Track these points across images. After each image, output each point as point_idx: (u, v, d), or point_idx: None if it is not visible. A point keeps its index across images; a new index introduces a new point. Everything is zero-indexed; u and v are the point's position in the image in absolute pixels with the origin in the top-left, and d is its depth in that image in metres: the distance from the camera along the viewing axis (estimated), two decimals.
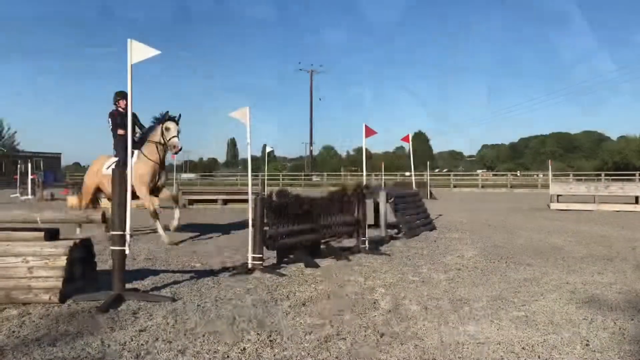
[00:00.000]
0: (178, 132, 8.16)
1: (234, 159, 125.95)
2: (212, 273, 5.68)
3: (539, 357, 3.20)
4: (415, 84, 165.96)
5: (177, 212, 8.36)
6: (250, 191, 6.10)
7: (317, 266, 6.10)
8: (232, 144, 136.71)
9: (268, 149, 27.94)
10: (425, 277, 5.64)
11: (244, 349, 3.29)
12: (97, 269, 5.18)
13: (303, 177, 52.21)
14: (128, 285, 4.68)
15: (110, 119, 8.46)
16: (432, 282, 5.39)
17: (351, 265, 6.30)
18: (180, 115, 8.35)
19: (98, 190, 9.03)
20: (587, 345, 3.41)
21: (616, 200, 16.89)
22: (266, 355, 3.19)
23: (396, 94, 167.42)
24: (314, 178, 54.20)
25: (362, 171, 8.52)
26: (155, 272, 5.66)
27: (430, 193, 25.54)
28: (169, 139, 8.16)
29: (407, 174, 44.95)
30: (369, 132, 8.23)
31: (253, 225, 5.82)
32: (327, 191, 7.43)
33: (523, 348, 3.34)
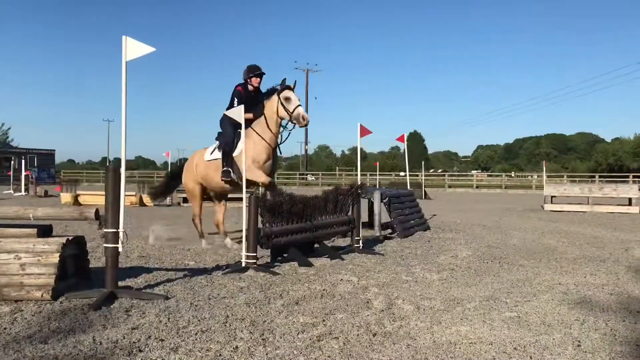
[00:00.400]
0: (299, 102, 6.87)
1: None
2: (205, 271, 5.67)
3: (530, 357, 3.21)
4: (410, 84, 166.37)
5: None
6: (244, 190, 6.09)
7: (310, 265, 6.10)
8: None
9: None
10: (419, 276, 5.65)
11: (237, 347, 3.29)
12: (90, 266, 5.17)
13: (298, 177, 52.19)
14: (121, 283, 4.68)
15: (235, 98, 7.15)
16: (426, 281, 5.40)
17: (345, 264, 6.30)
18: (295, 83, 6.97)
19: (204, 188, 7.82)
20: (578, 346, 3.42)
21: (610, 201, 16.98)
22: (258, 353, 3.19)
23: (392, 94, 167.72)
24: (309, 177, 54.19)
25: (357, 171, 8.54)
26: (149, 270, 5.65)
27: (425, 193, 25.63)
28: (293, 110, 6.78)
29: (402, 174, 45.00)
30: (364, 131, 8.22)
31: (247, 224, 5.81)
32: (322, 190, 7.42)
33: (515, 348, 3.35)
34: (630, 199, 16.33)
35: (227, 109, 7.03)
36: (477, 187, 44.58)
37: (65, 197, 17.48)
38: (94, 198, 16.98)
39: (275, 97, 6.94)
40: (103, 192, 4.62)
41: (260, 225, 6.03)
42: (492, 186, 45.76)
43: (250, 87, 7.32)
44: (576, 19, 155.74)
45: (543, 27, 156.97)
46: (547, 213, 15.78)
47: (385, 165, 70.75)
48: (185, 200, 17.59)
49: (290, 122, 6.97)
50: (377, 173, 31.36)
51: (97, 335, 3.45)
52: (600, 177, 46.64)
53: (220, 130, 7.47)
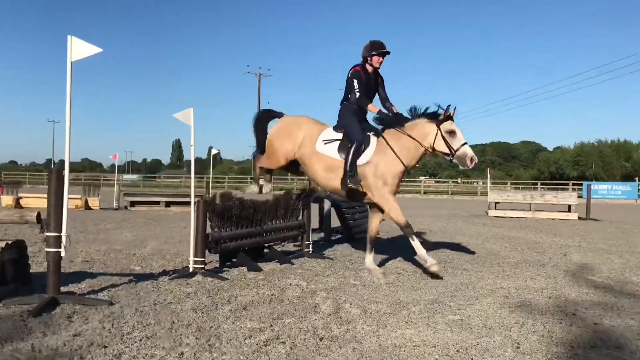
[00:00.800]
0: None
1: (179, 161, 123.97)
2: (151, 276, 5.58)
3: (472, 359, 3.30)
4: None
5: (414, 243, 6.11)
6: (192, 194, 6.02)
7: (260, 270, 6.09)
8: (177, 146, 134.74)
9: (214, 152, 27.67)
10: (366, 280, 5.72)
11: (182, 353, 3.25)
12: (32, 271, 5.01)
13: (249, 181, 51.85)
14: (64, 289, 4.54)
15: (355, 80, 6.05)
16: (373, 285, 5.47)
17: (294, 269, 6.32)
18: (455, 109, 5.92)
19: (291, 162, 6.58)
20: (517, 347, 3.55)
21: (551, 208, 17.62)
22: (204, 359, 3.17)
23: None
24: (261, 182, 53.89)
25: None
26: (93, 275, 5.51)
27: None
28: (458, 149, 5.79)
29: None
30: None
31: (194, 229, 5.75)
32: (273, 195, 7.41)
33: (457, 351, 3.44)
34: (569, 206, 17.00)
35: (347, 93, 6.25)
36: (424, 192, 45.49)
37: (6, 199, 16.82)
38: (36, 201, 16.40)
39: (432, 126, 5.95)
40: (46, 195, 4.49)
41: (208, 229, 5.98)
42: (440, 192, 46.81)
43: (369, 68, 6.20)
44: (523, 27, 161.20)
45: (493, 34, 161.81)
46: (491, 219, 16.22)
47: None
48: (133, 204, 17.15)
49: (448, 160, 5.99)
50: None
51: (36, 342, 3.34)
52: (542, 184, 48.42)
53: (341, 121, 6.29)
